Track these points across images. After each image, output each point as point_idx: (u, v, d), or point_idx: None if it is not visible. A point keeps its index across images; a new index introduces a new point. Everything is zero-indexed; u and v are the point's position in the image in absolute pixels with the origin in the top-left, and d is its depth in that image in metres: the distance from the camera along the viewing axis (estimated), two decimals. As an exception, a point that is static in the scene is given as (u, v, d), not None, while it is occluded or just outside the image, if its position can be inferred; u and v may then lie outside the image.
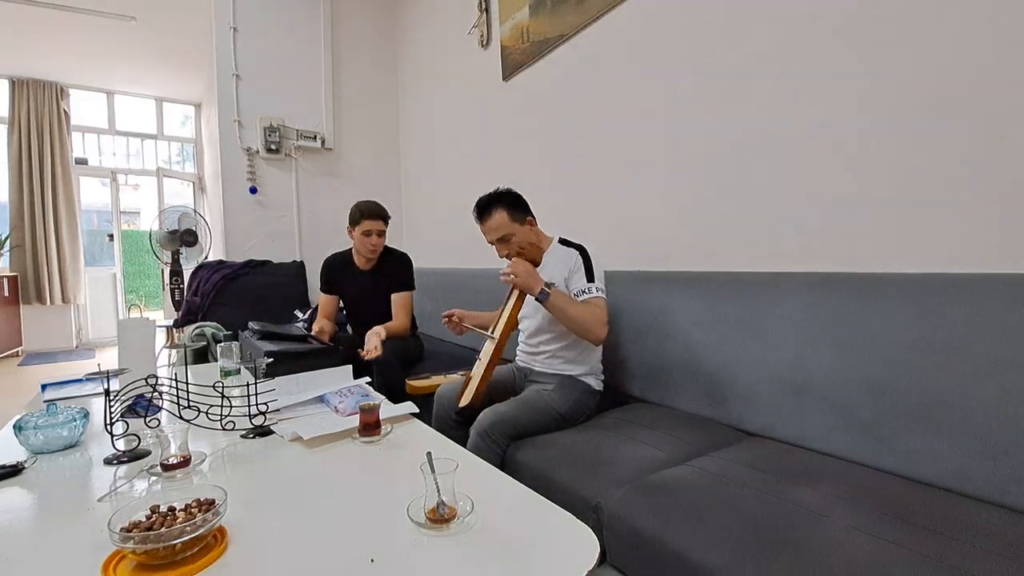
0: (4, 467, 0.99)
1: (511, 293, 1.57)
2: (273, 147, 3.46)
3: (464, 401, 1.55)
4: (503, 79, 2.66)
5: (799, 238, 1.43)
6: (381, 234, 2.20)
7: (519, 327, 1.74)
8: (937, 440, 1.02)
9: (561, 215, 2.24)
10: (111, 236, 5.76)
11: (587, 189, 2.16)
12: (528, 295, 1.48)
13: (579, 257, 1.55)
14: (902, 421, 1.07)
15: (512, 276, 1.46)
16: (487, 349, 1.57)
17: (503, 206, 1.59)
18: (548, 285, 1.44)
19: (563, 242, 1.64)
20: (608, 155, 2.06)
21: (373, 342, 1.93)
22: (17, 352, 5.05)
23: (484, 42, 2.80)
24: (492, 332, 1.56)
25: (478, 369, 1.57)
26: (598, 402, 1.60)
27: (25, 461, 1.04)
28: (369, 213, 2.17)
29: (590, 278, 1.52)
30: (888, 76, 1.22)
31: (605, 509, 1.03)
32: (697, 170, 1.70)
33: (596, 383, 1.61)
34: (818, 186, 1.38)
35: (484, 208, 1.61)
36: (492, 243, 1.63)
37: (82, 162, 5.57)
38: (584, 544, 0.72)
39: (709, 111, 1.65)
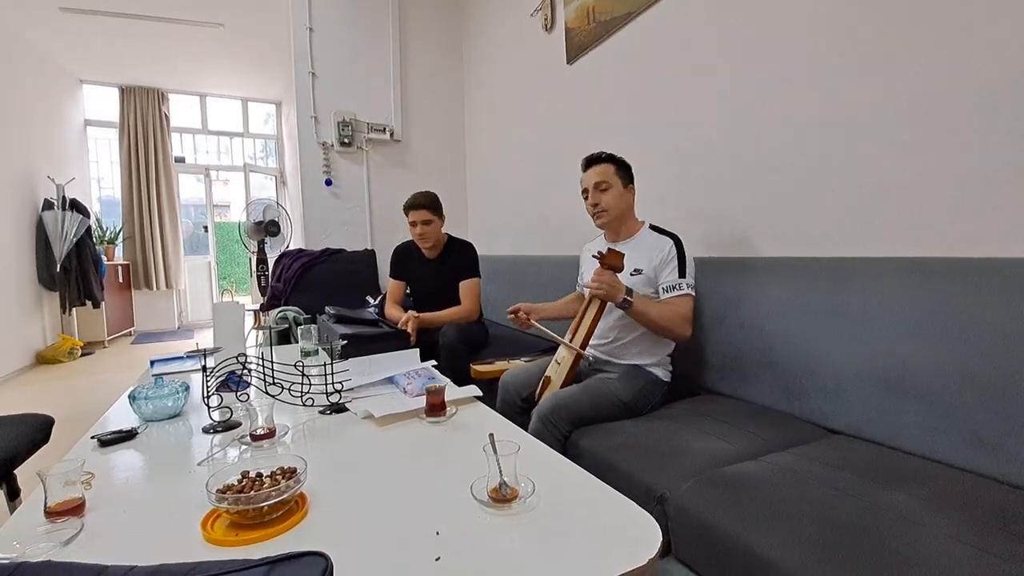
0: (122, 431, 1.13)
1: (591, 301, 1.53)
2: (346, 141, 3.61)
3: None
4: (567, 62, 2.61)
5: (894, 219, 1.30)
6: (427, 223, 2.25)
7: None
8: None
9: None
10: (205, 227, 6.30)
11: (656, 171, 2.08)
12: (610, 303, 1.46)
13: (673, 248, 1.51)
14: (1017, 425, 0.96)
15: (597, 289, 1.43)
16: (564, 354, 1.56)
17: (613, 163, 1.60)
18: (629, 292, 1.42)
19: (655, 228, 1.61)
20: (677, 135, 1.97)
21: (409, 322, 2.11)
22: (130, 332, 5.67)
23: (548, 26, 2.76)
24: (572, 341, 1.53)
25: (557, 374, 1.55)
26: (665, 392, 1.55)
27: (138, 427, 1.17)
28: (412, 205, 2.26)
29: (682, 273, 1.49)
30: (995, 43, 1.08)
31: (671, 501, 1.01)
32: (777, 145, 1.59)
33: (663, 374, 1.57)
34: (914, 159, 1.24)
35: (595, 159, 1.62)
36: (587, 190, 1.61)
37: (180, 160, 6.11)
38: (646, 533, 0.71)
39: (786, 81, 1.53)
